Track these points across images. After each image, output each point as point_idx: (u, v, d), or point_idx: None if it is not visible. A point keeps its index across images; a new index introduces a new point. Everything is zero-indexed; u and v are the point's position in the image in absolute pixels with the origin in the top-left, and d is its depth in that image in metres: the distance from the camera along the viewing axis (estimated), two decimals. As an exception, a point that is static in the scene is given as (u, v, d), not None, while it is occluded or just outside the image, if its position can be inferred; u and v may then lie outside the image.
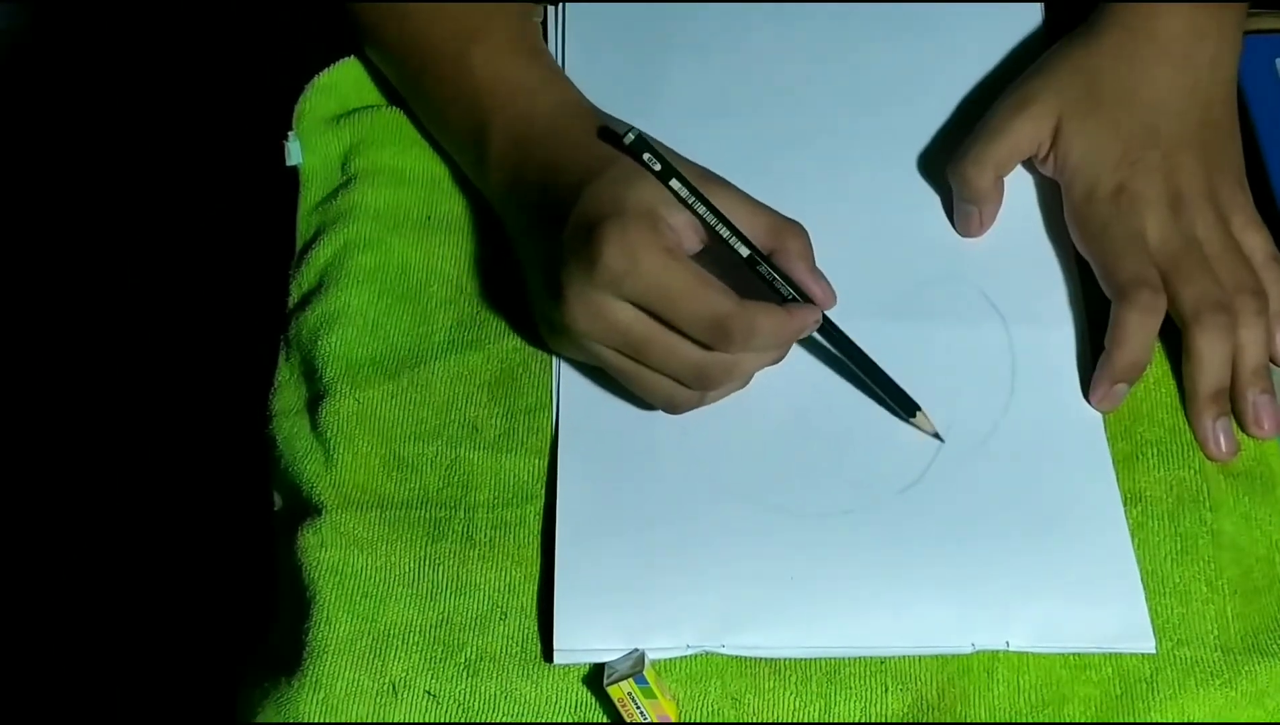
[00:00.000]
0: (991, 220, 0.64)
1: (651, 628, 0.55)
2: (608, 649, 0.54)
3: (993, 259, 0.64)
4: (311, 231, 0.66)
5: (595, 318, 0.55)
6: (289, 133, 0.67)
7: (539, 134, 0.60)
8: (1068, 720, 0.54)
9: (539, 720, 0.54)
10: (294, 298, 0.64)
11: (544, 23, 0.70)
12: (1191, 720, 0.54)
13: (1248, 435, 0.59)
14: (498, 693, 0.54)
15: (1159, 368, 0.61)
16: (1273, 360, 0.60)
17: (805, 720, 0.54)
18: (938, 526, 0.57)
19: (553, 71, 0.64)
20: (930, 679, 0.55)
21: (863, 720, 0.54)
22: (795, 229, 0.57)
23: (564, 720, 0.54)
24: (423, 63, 0.64)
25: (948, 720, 0.54)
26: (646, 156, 0.55)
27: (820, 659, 0.55)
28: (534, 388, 0.61)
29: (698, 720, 0.54)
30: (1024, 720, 0.54)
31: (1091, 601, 0.55)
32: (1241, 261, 0.60)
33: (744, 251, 0.56)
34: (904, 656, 0.55)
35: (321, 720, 0.53)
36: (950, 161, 0.64)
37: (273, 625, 0.58)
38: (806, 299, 0.56)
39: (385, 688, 0.54)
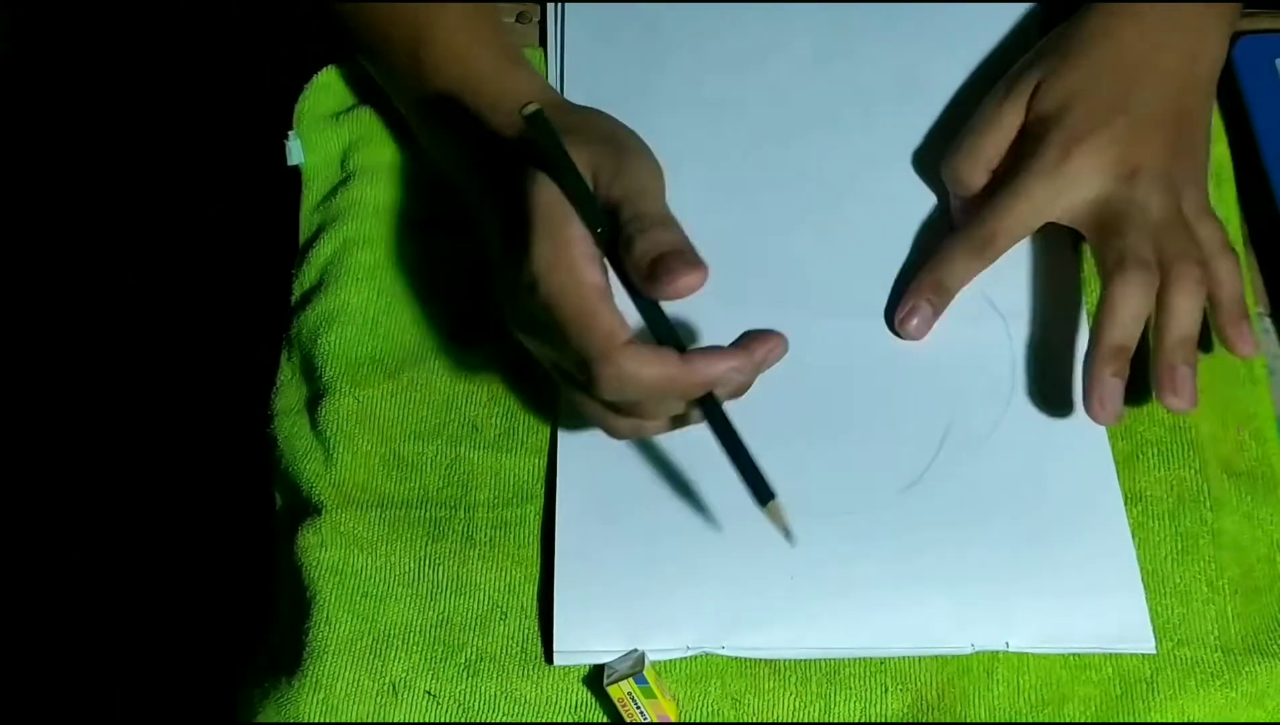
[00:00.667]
0: None
1: (651, 628, 0.55)
2: (608, 650, 0.54)
3: (993, 258, 0.64)
4: (313, 230, 0.65)
5: (516, 320, 0.52)
6: (289, 132, 0.67)
7: (494, 130, 0.58)
8: (1068, 720, 0.54)
9: (539, 720, 0.54)
10: (296, 297, 0.64)
11: (542, 23, 0.70)
12: (1191, 720, 0.54)
13: (1162, 403, 0.57)
14: (498, 693, 0.54)
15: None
16: (1226, 346, 0.58)
17: (805, 720, 0.54)
18: (937, 526, 0.57)
19: (505, 60, 0.61)
20: (930, 679, 0.55)
21: (863, 720, 0.54)
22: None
23: (564, 720, 0.54)
24: (389, 65, 0.64)
25: (948, 720, 0.54)
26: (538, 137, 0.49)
27: (820, 659, 0.55)
28: (534, 387, 0.61)
29: (698, 720, 0.54)
30: (1024, 720, 0.54)
31: (1092, 602, 0.55)
32: (1188, 237, 0.58)
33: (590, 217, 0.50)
34: (904, 656, 0.55)
35: (321, 720, 0.53)
36: (943, 159, 0.64)
37: (273, 625, 0.58)
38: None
39: (385, 688, 0.54)
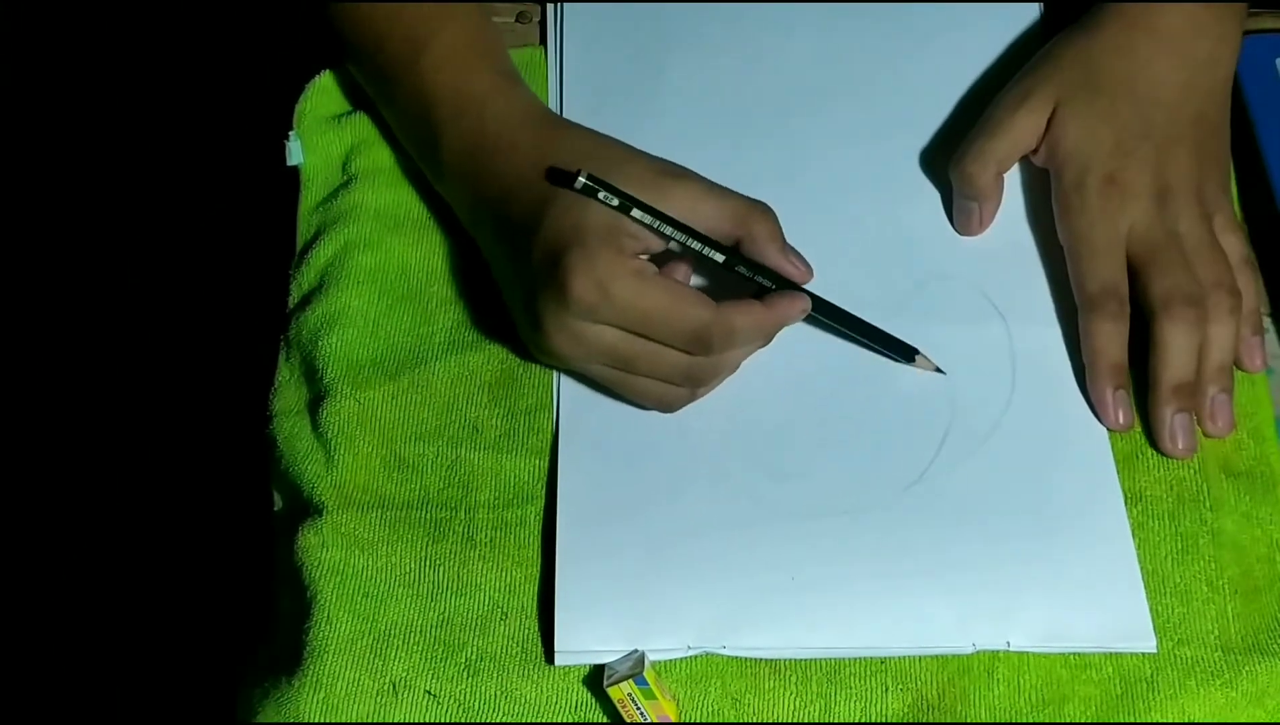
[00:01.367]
0: (991, 218, 0.64)
1: (652, 629, 0.55)
2: (608, 650, 0.54)
3: (993, 258, 0.63)
4: (312, 231, 0.66)
5: (577, 343, 0.55)
6: (290, 133, 0.67)
7: (491, 147, 0.60)
8: (1068, 720, 0.54)
9: (539, 720, 0.54)
10: (294, 298, 0.64)
11: (542, 23, 0.71)
12: (1191, 720, 0.54)
13: (1201, 431, 0.59)
14: (498, 693, 0.54)
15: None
16: (1236, 362, 0.60)
17: (805, 720, 0.54)
18: (938, 526, 0.57)
19: (503, 77, 0.62)
20: (930, 679, 0.55)
21: (863, 720, 0.54)
22: (760, 212, 0.57)
23: (564, 720, 0.54)
24: (381, 71, 0.64)
25: (948, 720, 0.54)
26: (602, 195, 0.55)
27: (820, 659, 0.55)
28: (534, 388, 0.61)
29: (698, 721, 0.54)
30: (1024, 720, 0.54)
31: (1092, 601, 0.55)
32: (1220, 258, 0.60)
33: (719, 257, 0.56)
34: (904, 656, 0.55)
35: (322, 720, 0.53)
36: (951, 159, 0.64)
37: (273, 625, 0.58)
38: (786, 282, 0.57)
39: (386, 688, 0.54)
